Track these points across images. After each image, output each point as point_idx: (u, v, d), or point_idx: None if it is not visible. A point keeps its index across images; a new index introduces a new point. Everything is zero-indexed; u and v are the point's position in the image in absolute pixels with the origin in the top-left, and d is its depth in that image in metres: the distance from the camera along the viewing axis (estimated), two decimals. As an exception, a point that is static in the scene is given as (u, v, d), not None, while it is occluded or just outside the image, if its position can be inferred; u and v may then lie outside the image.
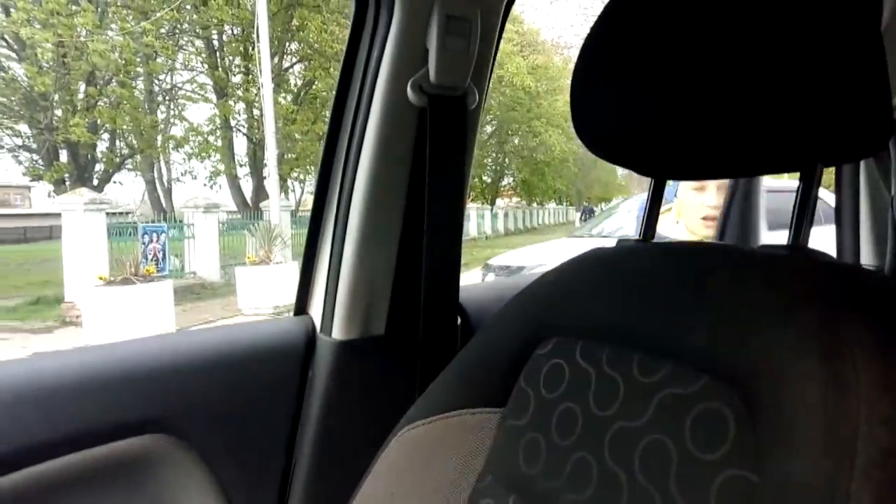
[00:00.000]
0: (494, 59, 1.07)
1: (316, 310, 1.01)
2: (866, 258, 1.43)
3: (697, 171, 0.70)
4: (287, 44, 17.29)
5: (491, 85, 1.07)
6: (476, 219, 18.92)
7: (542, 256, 6.14)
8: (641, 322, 0.55)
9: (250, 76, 16.08)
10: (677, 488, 0.46)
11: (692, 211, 1.56)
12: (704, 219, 1.54)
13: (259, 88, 12.25)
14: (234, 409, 0.89)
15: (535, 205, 27.40)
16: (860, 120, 0.49)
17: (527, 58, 19.08)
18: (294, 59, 18.19)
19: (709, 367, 0.48)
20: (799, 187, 0.56)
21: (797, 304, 0.45)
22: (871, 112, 0.48)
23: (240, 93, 17.06)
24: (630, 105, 0.58)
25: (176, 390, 0.85)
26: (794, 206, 0.56)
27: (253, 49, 14.30)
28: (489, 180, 24.53)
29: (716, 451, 0.45)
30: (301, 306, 1.04)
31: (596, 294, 0.62)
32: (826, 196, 2.50)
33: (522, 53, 19.36)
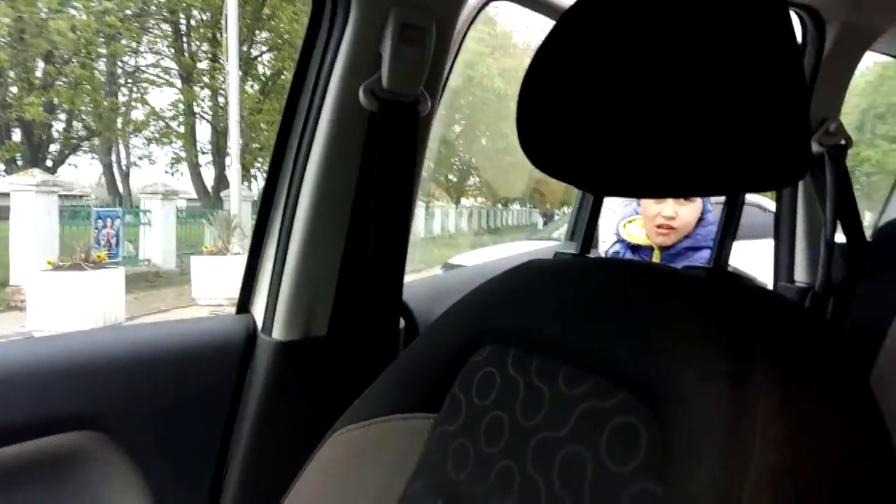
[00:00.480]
0: (451, 67, 1.08)
1: (258, 309, 1.00)
2: (800, 274, 1.49)
3: (634, 190, 0.72)
4: (257, 32, 17.00)
5: (462, 85, 1.08)
6: (441, 217, 18.92)
7: (502, 258, 6.17)
8: (569, 335, 0.57)
9: (217, 63, 15.76)
10: (590, 499, 0.48)
11: (650, 220, 1.65)
12: (659, 227, 1.62)
13: (225, 76, 12.04)
14: (169, 408, 0.88)
15: (499, 206, 27.54)
16: (781, 151, 0.52)
17: (498, 60, 19.16)
18: (263, 48, 17.89)
19: (627, 383, 0.49)
20: (723, 211, 0.58)
21: (710, 326, 0.47)
22: (790, 145, 0.51)
23: (206, 79, 16.70)
24: (573, 123, 0.60)
25: (110, 387, 0.83)
26: (718, 229, 0.59)
27: (221, 35, 14.01)
28: (455, 179, 24.55)
29: (628, 464, 0.46)
30: (243, 304, 1.03)
31: (530, 304, 0.63)
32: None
33: (494, 55, 19.44)
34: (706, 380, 0.43)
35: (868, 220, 1.84)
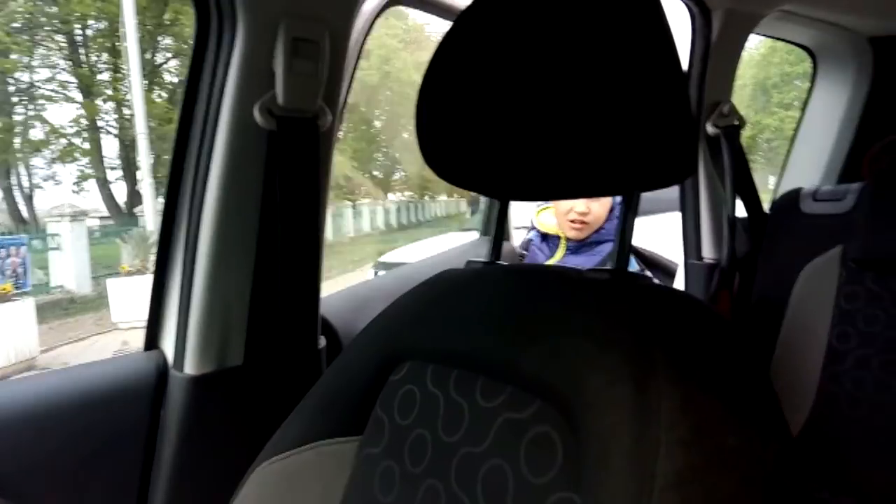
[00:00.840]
0: (352, 78, 1.06)
1: (167, 343, 0.95)
2: (708, 250, 1.56)
3: (538, 193, 0.73)
4: (160, 38, 16.27)
5: (380, 81, 1.06)
6: (369, 215, 18.79)
7: (432, 251, 6.19)
8: (484, 346, 0.56)
9: (119, 73, 15.00)
10: None
11: (563, 215, 1.69)
12: (572, 222, 1.67)
13: (129, 86, 11.48)
14: (79, 461, 0.82)
15: (426, 198, 27.60)
16: (669, 150, 0.53)
17: (413, 53, 19.13)
18: (168, 55, 17.15)
19: (540, 392, 0.49)
20: (621, 210, 0.59)
21: (614, 331, 0.48)
22: (678, 143, 0.53)
23: (108, 91, 15.86)
24: (471, 128, 0.60)
25: (9, 446, 0.77)
26: (616, 231, 0.60)
27: (121, 44, 13.32)
28: (381, 175, 24.41)
29: (546, 474, 0.47)
30: (151, 340, 0.98)
31: (445, 317, 0.63)
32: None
33: (408, 49, 19.39)
34: (611, 386, 0.44)
35: (772, 183, 1.95)
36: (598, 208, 1.64)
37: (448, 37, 0.60)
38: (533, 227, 1.81)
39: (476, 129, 0.59)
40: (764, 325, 1.40)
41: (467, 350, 0.58)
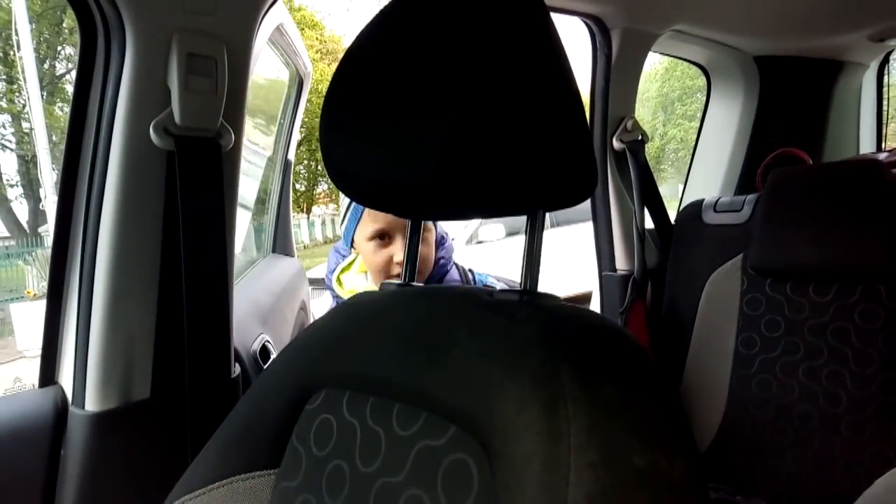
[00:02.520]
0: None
1: (66, 378, 0.89)
2: (620, 262, 1.62)
3: (448, 213, 0.73)
4: (59, 48, 15.34)
5: None
6: (293, 229, 18.40)
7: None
8: (399, 372, 0.55)
9: (14, 85, 14.02)
10: None
11: (380, 269, 1.18)
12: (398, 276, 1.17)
13: (26, 99, 10.75)
14: None
15: (352, 211, 27.26)
16: (571, 171, 0.55)
17: (330, 65, 18.95)
18: (70, 65, 16.19)
19: (455, 418, 0.49)
20: (526, 230, 0.61)
21: (522, 353, 0.48)
22: (578, 165, 0.55)
23: (2, 103, 14.79)
24: (377, 148, 0.59)
25: None
26: (524, 251, 0.60)
27: (14, 53, 12.46)
28: (303, 188, 23.96)
29: (463, 502, 0.46)
30: (48, 376, 0.91)
31: (360, 342, 0.61)
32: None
33: (325, 60, 19.19)
34: (521, 411, 0.44)
35: (679, 191, 2.05)
36: (424, 249, 1.19)
37: (348, 55, 0.59)
38: (336, 297, 1.31)
39: (380, 148, 0.58)
40: (675, 333, 1.46)
41: (382, 376, 0.57)
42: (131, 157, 0.83)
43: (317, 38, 19.61)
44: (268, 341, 1.27)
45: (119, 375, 0.86)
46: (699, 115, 1.95)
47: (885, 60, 1.86)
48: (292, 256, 2.02)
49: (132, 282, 0.86)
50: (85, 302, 0.85)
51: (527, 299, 0.56)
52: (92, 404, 0.85)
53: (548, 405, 0.43)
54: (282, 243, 2.00)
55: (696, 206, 1.52)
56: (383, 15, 0.57)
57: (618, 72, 1.40)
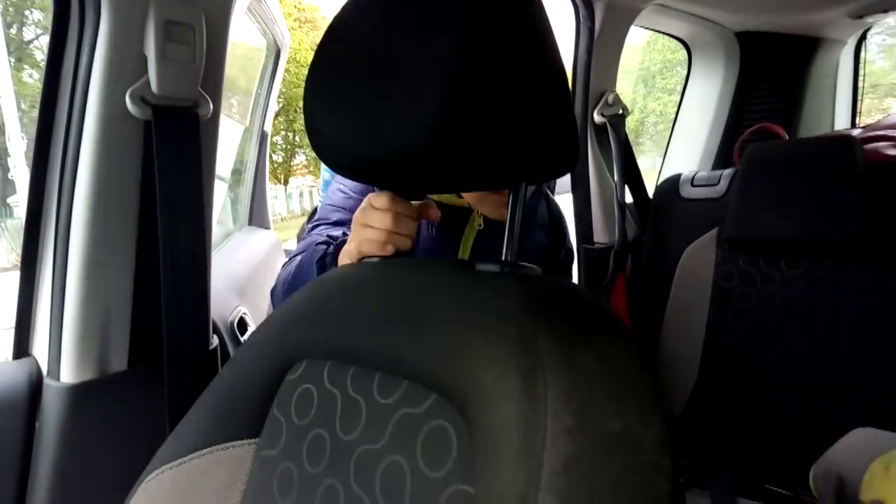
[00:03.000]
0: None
1: (40, 350, 0.88)
2: (600, 235, 1.63)
3: (430, 187, 0.73)
4: (27, 13, 14.82)
5: None
6: (270, 200, 18.20)
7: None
8: (380, 342, 0.56)
9: (-22, 49, 13.54)
10: None
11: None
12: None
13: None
14: None
15: (330, 182, 27.01)
16: (552, 146, 0.55)
17: (308, 34, 18.59)
18: (39, 31, 15.66)
19: (436, 386, 0.50)
20: (508, 203, 0.61)
21: (502, 322, 0.49)
22: (560, 139, 0.55)
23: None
24: (367, 123, 0.58)
25: None
26: (507, 223, 0.61)
27: (-22, 17, 11.99)
28: (280, 160, 23.65)
29: (442, 467, 0.47)
30: (22, 347, 0.90)
31: (341, 313, 0.62)
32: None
33: (303, 29, 18.81)
34: (501, 378, 0.45)
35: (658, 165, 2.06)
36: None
37: (332, 27, 0.58)
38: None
39: (367, 122, 0.58)
40: (652, 305, 1.49)
41: (364, 346, 0.57)
42: (107, 127, 0.81)
43: (294, 6, 19.19)
44: (245, 313, 1.26)
45: (95, 346, 0.85)
46: (679, 88, 1.96)
47: (863, 37, 1.88)
48: (268, 229, 2.01)
49: (108, 251, 0.85)
50: (60, 272, 0.84)
51: (507, 271, 0.57)
52: (68, 376, 0.84)
53: (526, 372, 0.44)
54: (258, 216, 1.98)
55: (674, 181, 1.54)
56: None
57: (600, 45, 1.39)
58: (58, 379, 0.85)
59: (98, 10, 0.78)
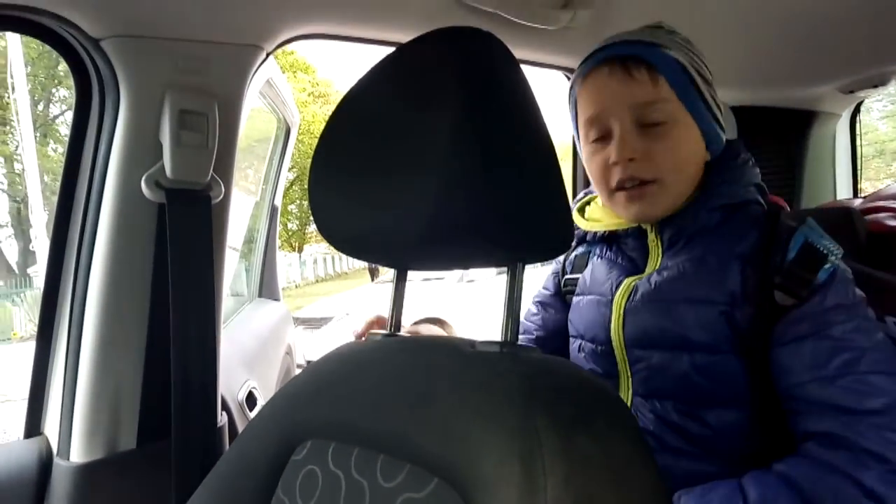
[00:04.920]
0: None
1: (51, 429, 0.89)
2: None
3: (433, 264, 0.75)
4: (53, 90, 15.52)
5: None
6: (284, 268, 18.32)
7: (348, 304, 6.12)
8: (384, 423, 0.56)
9: (7, 126, 14.09)
10: None
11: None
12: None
13: (20, 140, 10.81)
14: None
15: (344, 250, 27.20)
16: (550, 230, 0.57)
17: (322, 107, 19.22)
18: (65, 107, 16.34)
19: (437, 470, 0.50)
20: (507, 282, 0.62)
21: (501, 407, 0.49)
22: (556, 220, 0.57)
23: (-6, 146, 14.84)
24: (368, 204, 0.60)
25: None
26: (505, 302, 0.62)
27: (9, 96, 12.56)
28: (294, 227, 23.97)
29: None
30: (33, 426, 0.91)
31: (346, 393, 0.62)
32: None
33: (317, 103, 19.48)
34: (501, 463, 0.45)
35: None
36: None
37: (335, 113, 0.61)
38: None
39: (367, 203, 0.60)
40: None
41: (368, 427, 0.58)
42: (123, 209, 0.85)
43: (308, 81, 19.94)
44: (254, 388, 1.27)
45: (105, 425, 0.87)
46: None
47: (857, 110, 1.92)
48: (278, 300, 2.03)
49: (121, 330, 0.87)
50: (73, 351, 0.86)
51: (507, 351, 0.57)
52: (77, 455, 0.85)
53: (525, 458, 0.44)
54: (268, 287, 2.01)
55: None
56: (367, 77, 0.60)
57: None
58: (67, 458, 0.85)
59: (117, 100, 0.84)
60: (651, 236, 0.88)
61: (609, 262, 0.94)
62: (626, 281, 0.88)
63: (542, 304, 1.10)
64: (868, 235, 1.27)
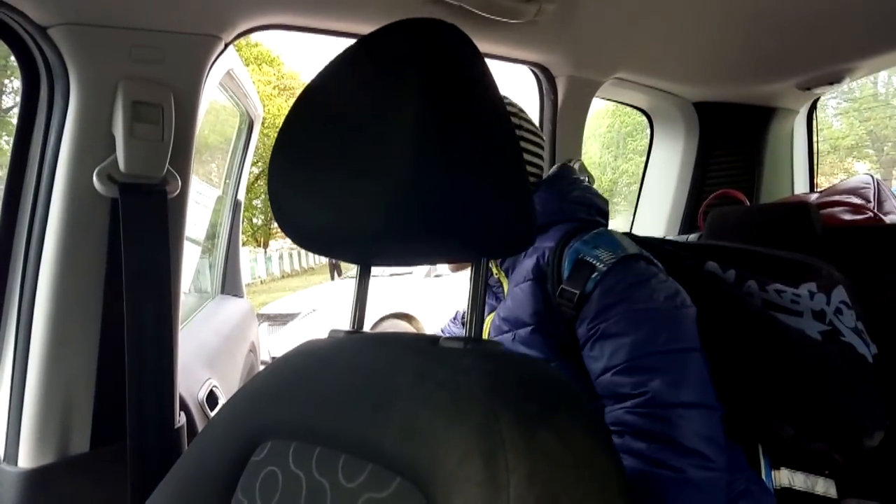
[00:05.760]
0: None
1: None
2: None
3: (397, 260, 0.74)
4: (6, 81, 14.99)
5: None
6: (249, 263, 18.06)
7: (314, 300, 6.06)
8: (345, 422, 0.55)
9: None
10: None
11: None
12: None
13: (-32, 132, 10.39)
14: None
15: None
16: (513, 226, 0.57)
17: (287, 100, 18.97)
18: (17, 98, 15.80)
19: (400, 469, 0.49)
20: (471, 277, 0.62)
21: (465, 404, 0.49)
22: (519, 216, 0.57)
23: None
24: (329, 199, 0.59)
25: None
26: (469, 298, 0.61)
27: (-43, 86, 12.07)
28: (259, 223, 23.64)
29: None
30: None
31: (307, 392, 0.61)
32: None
33: (282, 96, 19.21)
34: (463, 462, 0.45)
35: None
36: None
37: (294, 108, 0.60)
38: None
39: (327, 198, 0.59)
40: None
41: (329, 426, 0.57)
42: (73, 204, 0.82)
43: (274, 74, 19.66)
44: (215, 386, 1.24)
45: (56, 428, 0.83)
46: (650, 149, 2.02)
47: (814, 107, 1.98)
48: (241, 297, 1.99)
49: (72, 329, 0.84)
50: (21, 351, 0.83)
51: (471, 347, 0.57)
52: (26, 460, 0.82)
53: (488, 456, 0.44)
54: (231, 283, 1.97)
55: None
56: (328, 69, 0.59)
57: (564, 117, 1.45)
58: (15, 463, 0.82)
59: (67, 91, 0.80)
60: (494, 270, 0.98)
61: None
62: (488, 319, 0.98)
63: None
64: (823, 230, 1.31)
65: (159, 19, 0.83)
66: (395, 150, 0.52)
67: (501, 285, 0.98)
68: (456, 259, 0.67)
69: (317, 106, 0.59)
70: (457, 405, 0.49)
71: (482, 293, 0.60)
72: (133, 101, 0.81)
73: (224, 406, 0.68)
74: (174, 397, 0.92)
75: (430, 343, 0.61)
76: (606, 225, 0.96)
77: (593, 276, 0.80)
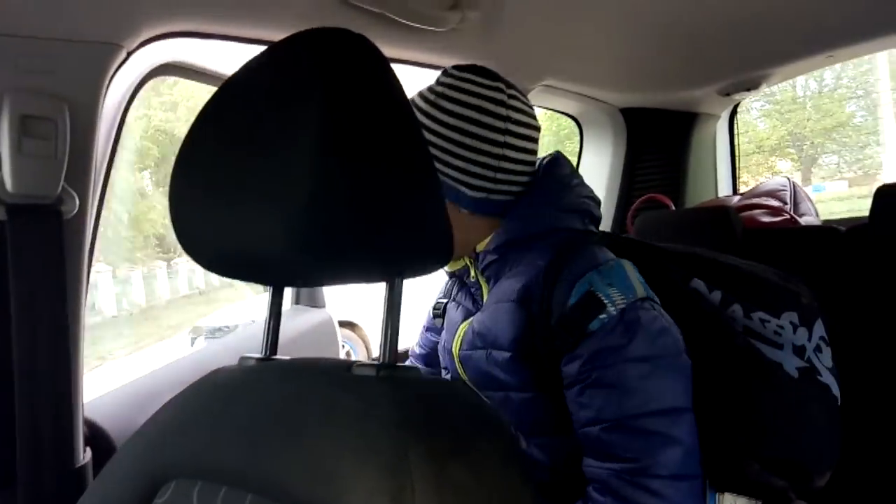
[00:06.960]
0: (114, 151, 0.97)
1: None
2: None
3: (309, 280, 0.71)
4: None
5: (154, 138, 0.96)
6: (186, 274, 17.50)
7: (254, 311, 5.92)
8: (252, 460, 0.52)
9: None
10: None
11: None
12: None
13: None
14: None
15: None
16: (428, 243, 0.55)
17: (187, 106, 18.57)
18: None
19: None
20: (386, 298, 0.59)
21: (373, 440, 0.47)
22: (434, 235, 0.55)
23: None
24: (234, 219, 0.55)
25: None
26: (383, 321, 0.59)
27: None
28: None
29: None
30: None
31: (213, 426, 0.57)
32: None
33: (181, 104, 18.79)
34: (370, 503, 0.43)
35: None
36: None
37: (193, 126, 0.56)
38: None
39: (230, 219, 0.55)
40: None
41: (235, 464, 0.53)
42: None
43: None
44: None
45: None
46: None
47: (734, 112, 2.06)
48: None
49: None
50: None
51: (384, 374, 0.54)
52: None
53: (395, 495, 0.42)
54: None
55: None
56: (231, 81, 0.55)
57: None
58: None
59: None
60: (472, 273, 0.92)
61: (456, 304, 0.99)
62: (462, 326, 0.92)
63: (426, 326, 1.15)
64: (743, 232, 1.35)
65: (47, 26, 0.78)
66: (300, 167, 0.50)
67: (481, 288, 0.92)
68: (369, 279, 0.65)
69: (219, 120, 0.56)
70: (365, 442, 0.47)
71: (397, 315, 0.58)
72: (21, 115, 0.76)
73: (125, 444, 0.63)
74: (77, 432, 0.86)
75: (342, 369, 0.58)
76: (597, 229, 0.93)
77: (601, 316, 0.75)
